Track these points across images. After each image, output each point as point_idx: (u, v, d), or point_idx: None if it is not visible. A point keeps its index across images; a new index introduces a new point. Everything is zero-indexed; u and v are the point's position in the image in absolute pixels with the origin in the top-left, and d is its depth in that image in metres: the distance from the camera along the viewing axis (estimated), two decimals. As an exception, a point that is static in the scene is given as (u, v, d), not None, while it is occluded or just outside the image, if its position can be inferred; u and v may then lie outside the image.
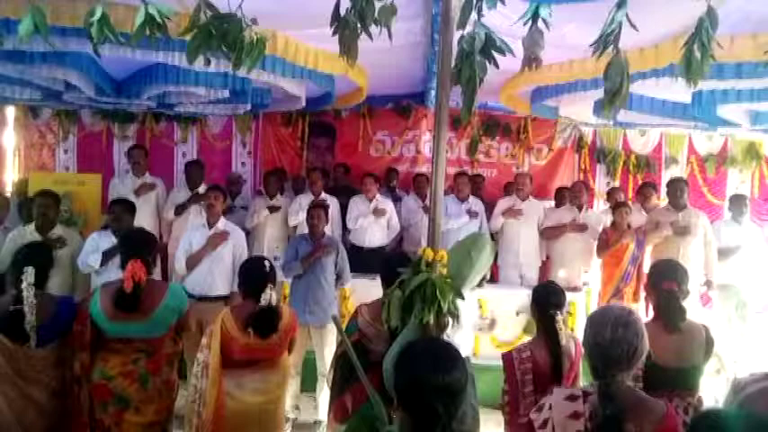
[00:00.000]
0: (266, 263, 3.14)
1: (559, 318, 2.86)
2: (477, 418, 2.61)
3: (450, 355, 1.70)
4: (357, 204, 6.13)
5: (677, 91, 4.32)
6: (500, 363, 3.02)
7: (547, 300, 2.99)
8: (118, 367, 2.97)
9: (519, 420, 2.86)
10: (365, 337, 2.85)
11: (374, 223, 6.07)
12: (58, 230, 4.62)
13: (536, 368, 2.88)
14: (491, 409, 3.67)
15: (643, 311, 5.61)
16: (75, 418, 2.94)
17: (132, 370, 2.98)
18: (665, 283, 2.89)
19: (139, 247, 3.12)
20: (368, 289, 4.37)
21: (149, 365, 3.03)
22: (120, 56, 3.88)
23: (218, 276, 4.55)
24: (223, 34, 2.31)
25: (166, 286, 3.21)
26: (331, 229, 5.92)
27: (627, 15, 2.20)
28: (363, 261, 5.56)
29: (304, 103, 5.84)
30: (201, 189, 5.60)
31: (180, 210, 5.75)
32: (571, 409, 1.86)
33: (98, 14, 2.37)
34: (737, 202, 5.97)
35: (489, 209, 6.18)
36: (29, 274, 2.84)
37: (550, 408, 1.91)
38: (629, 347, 1.90)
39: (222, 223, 4.73)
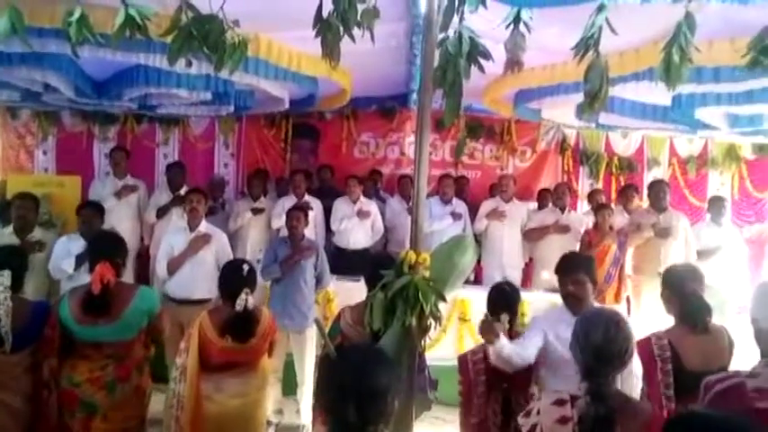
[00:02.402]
0: (245, 266, 3.11)
1: (504, 319, 2.96)
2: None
3: (373, 361, 1.68)
4: (341, 206, 6.12)
5: (658, 94, 4.36)
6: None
7: (493, 302, 3.12)
8: (86, 373, 2.93)
9: (471, 420, 2.94)
10: (348, 340, 2.85)
11: (358, 225, 6.06)
12: (36, 233, 4.56)
13: (488, 369, 2.96)
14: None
15: (624, 312, 5.68)
16: (44, 423, 2.89)
17: (99, 376, 2.94)
18: (689, 285, 2.89)
19: (108, 249, 3.08)
20: (351, 291, 4.35)
21: (118, 372, 2.98)
22: (100, 57, 3.84)
23: (199, 280, 4.50)
24: (204, 36, 2.29)
25: (136, 288, 3.16)
26: (314, 231, 5.91)
27: (607, 19, 2.23)
28: (347, 263, 5.55)
29: (287, 105, 5.82)
30: (183, 191, 5.55)
31: (161, 212, 5.70)
32: (559, 413, 1.86)
33: (77, 15, 2.35)
34: (716, 204, 6.05)
35: (473, 210, 6.20)
36: (5, 277, 2.80)
37: (539, 413, 1.91)
38: (621, 347, 1.93)
39: (204, 226, 4.69)
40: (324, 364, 2.95)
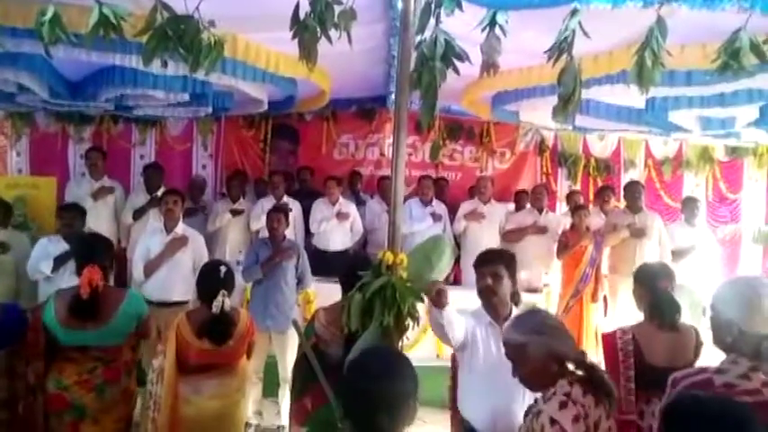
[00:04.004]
0: (222, 268, 3.09)
1: None
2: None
3: (397, 364, 1.69)
4: (320, 208, 6.11)
5: (632, 97, 4.43)
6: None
7: None
8: (74, 376, 2.89)
9: (459, 416, 2.94)
10: (322, 341, 2.84)
11: (337, 227, 6.06)
12: (3, 235, 4.49)
13: None
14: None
15: (601, 312, 5.76)
16: (29, 429, 2.84)
17: (89, 379, 2.90)
18: (660, 282, 2.95)
19: (95, 252, 3.04)
20: (331, 293, 4.29)
21: (107, 374, 2.95)
22: (75, 57, 3.79)
23: (176, 282, 4.47)
24: (180, 36, 2.28)
25: (124, 292, 3.14)
26: (294, 232, 5.90)
27: (580, 23, 2.26)
28: (327, 265, 5.53)
29: (266, 107, 5.80)
30: (160, 193, 5.50)
31: (138, 214, 5.64)
32: (571, 413, 1.86)
33: (50, 14, 2.33)
34: (690, 204, 6.16)
35: (453, 212, 6.24)
36: None
37: (552, 422, 1.85)
38: None
39: (181, 228, 4.65)
40: (299, 366, 2.94)
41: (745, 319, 1.95)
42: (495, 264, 2.74)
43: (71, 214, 4.42)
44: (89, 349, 2.93)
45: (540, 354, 1.99)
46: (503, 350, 2.55)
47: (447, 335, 2.58)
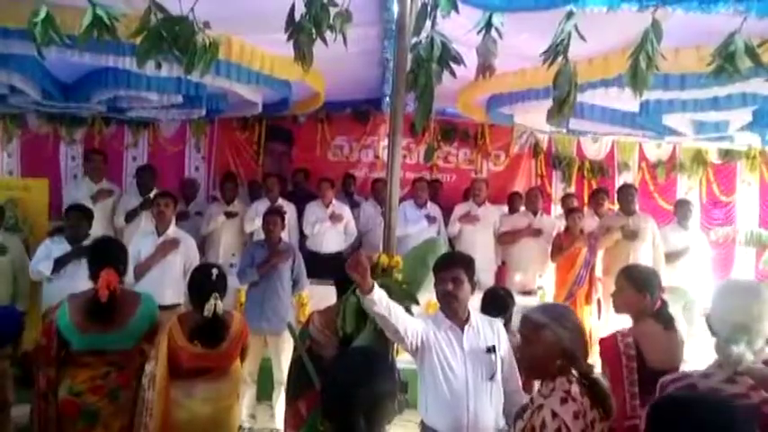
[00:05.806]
0: (213, 271, 3.05)
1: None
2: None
3: (374, 365, 1.69)
4: (313, 210, 6.09)
5: (626, 100, 4.44)
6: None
7: (488, 305, 3.17)
8: (87, 382, 2.85)
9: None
10: (316, 344, 2.83)
11: (331, 229, 6.04)
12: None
13: None
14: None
15: (595, 314, 5.76)
16: None
17: (102, 385, 2.87)
18: (662, 286, 2.92)
19: (111, 255, 3.02)
20: (325, 295, 4.30)
21: (120, 379, 2.92)
22: (68, 59, 3.76)
23: (167, 285, 4.44)
24: (174, 37, 2.27)
25: (139, 295, 3.11)
26: (288, 234, 5.88)
27: (575, 26, 2.27)
28: (321, 267, 5.51)
29: (260, 109, 5.78)
30: (153, 195, 5.46)
31: (130, 216, 5.59)
32: (571, 409, 1.87)
33: (42, 15, 2.30)
34: (683, 207, 6.17)
35: (447, 214, 6.24)
36: None
37: (554, 415, 1.86)
38: None
39: (173, 230, 4.63)
40: (294, 369, 2.92)
41: (719, 323, 1.98)
42: (455, 268, 2.63)
43: (77, 215, 4.35)
44: (104, 353, 2.90)
45: (552, 342, 1.98)
46: (467, 354, 2.56)
47: (398, 329, 2.40)
